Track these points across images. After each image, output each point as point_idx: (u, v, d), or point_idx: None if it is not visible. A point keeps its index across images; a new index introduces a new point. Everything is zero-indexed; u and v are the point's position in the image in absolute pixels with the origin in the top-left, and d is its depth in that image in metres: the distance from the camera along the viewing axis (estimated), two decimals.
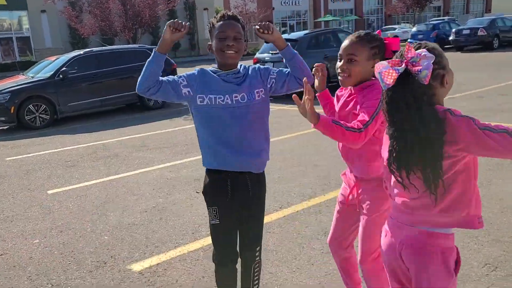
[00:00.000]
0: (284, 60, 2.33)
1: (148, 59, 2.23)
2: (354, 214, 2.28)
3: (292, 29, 42.67)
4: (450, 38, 22.93)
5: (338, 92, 2.31)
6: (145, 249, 3.74)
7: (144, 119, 10.31)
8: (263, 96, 2.32)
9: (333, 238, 2.42)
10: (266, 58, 12.12)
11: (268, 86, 2.33)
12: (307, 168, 5.62)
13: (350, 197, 2.27)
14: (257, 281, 2.54)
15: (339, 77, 2.11)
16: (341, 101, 2.22)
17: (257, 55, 12.75)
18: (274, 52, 12.03)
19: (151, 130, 8.96)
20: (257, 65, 2.41)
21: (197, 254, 3.55)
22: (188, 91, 2.27)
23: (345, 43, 2.10)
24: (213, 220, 2.36)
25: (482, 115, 7.81)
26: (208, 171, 2.37)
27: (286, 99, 11.20)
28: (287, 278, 3.10)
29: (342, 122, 1.94)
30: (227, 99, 2.23)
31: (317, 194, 4.69)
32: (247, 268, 2.51)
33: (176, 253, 3.61)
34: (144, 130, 9.07)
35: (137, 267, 3.44)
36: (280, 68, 2.39)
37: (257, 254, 2.48)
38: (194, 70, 2.36)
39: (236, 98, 2.24)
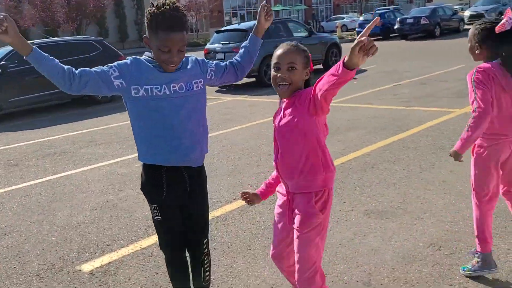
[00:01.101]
0: (248, 45, 2.47)
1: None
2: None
3: (242, 19, 42.48)
4: (395, 27, 23.71)
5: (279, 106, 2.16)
6: (95, 248, 3.63)
7: (92, 113, 9.96)
8: (202, 87, 2.29)
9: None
10: (217, 49, 12.02)
11: (208, 77, 2.34)
12: (261, 158, 5.65)
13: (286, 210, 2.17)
14: (208, 274, 2.52)
15: (278, 88, 2.02)
16: (280, 114, 2.08)
17: (208, 45, 12.62)
18: (225, 42, 11.96)
19: (100, 125, 8.67)
20: (194, 56, 2.36)
21: (150, 251, 3.49)
22: (121, 83, 2.15)
23: (282, 52, 2.00)
24: (155, 216, 2.33)
25: (424, 101, 8.16)
26: (144, 166, 2.29)
27: (239, 89, 11.26)
28: (242, 269, 3.11)
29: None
30: (164, 89, 2.14)
31: None
32: (196, 261, 2.49)
33: (128, 251, 3.52)
34: (93, 124, 8.77)
35: (87, 267, 3.33)
36: (216, 62, 2.43)
37: (204, 247, 2.46)
38: (126, 59, 2.25)
39: (175, 88, 2.17)
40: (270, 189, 2.31)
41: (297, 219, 2.05)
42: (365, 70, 13.00)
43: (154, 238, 3.67)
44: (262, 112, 8.65)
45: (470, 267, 2.77)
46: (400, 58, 15.55)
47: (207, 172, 2.48)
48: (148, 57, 2.24)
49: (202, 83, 2.29)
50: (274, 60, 2.02)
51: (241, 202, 4.27)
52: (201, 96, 2.29)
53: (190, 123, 2.21)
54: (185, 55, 2.23)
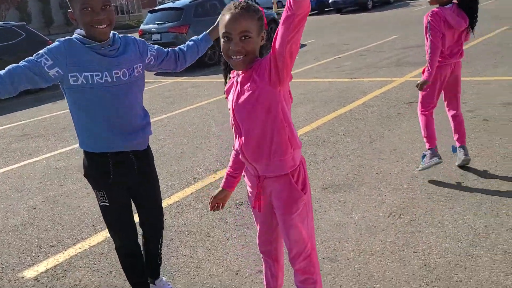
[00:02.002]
0: (199, 42, 2.41)
1: None
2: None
3: None
4: (330, 1, 23.98)
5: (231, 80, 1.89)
6: (38, 251, 3.30)
7: (22, 105, 9.20)
8: (141, 72, 2.20)
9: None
10: (153, 29, 11.48)
11: (146, 61, 2.22)
12: (210, 140, 5.44)
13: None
14: (161, 256, 2.55)
15: (231, 61, 1.73)
16: (237, 91, 1.80)
17: (142, 26, 12.02)
18: (160, 22, 11.45)
19: (32, 116, 8.02)
20: (133, 36, 2.24)
21: (100, 248, 3.22)
22: (57, 72, 1.95)
23: (230, 18, 1.67)
24: (101, 202, 2.22)
25: (366, 72, 8.27)
26: (87, 153, 2.17)
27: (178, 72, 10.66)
28: (203, 258, 2.94)
29: None
30: (106, 76, 2.02)
31: (223, 165, 4.55)
32: (151, 245, 2.46)
33: (76, 251, 3.23)
34: (24, 117, 8.09)
35: (30, 273, 3.02)
36: (158, 47, 2.30)
37: (161, 226, 2.47)
38: (56, 41, 2.02)
39: (117, 75, 2.05)
40: (234, 178, 2.08)
41: (279, 205, 1.87)
42: (305, 45, 13.00)
43: (103, 235, 3.40)
44: (206, 92, 8.39)
45: (422, 163, 3.65)
46: (337, 31, 15.72)
47: (156, 158, 2.46)
48: (80, 35, 2.04)
49: (141, 67, 2.19)
50: (222, 29, 1.70)
51: (195, 188, 4.07)
52: (141, 80, 2.22)
53: (133, 109, 2.15)
54: (123, 36, 2.15)
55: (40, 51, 1.96)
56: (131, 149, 2.18)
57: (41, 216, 3.89)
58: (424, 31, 3.50)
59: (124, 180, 2.21)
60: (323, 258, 2.75)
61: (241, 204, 3.61)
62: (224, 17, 1.69)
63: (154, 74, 11.43)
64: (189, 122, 6.47)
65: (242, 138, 1.80)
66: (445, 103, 3.85)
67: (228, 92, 1.89)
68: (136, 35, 12.06)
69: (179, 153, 5.13)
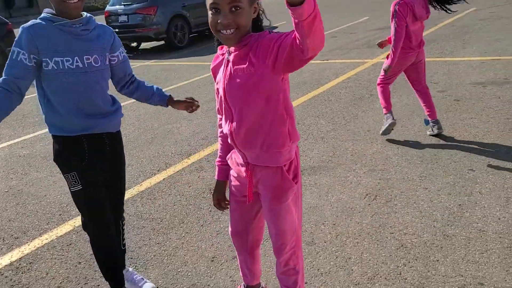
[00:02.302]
0: (153, 95, 2.32)
1: None
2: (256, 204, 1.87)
3: None
4: None
5: (219, 55, 1.71)
6: (1, 243, 3.13)
7: None
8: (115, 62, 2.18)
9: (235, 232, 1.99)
10: (119, 11, 11.09)
11: (111, 58, 2.14)
12: (182, 124, 5.30)
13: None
14: (124, 238, 2.47)
15: (221, 35, 1.54)
16: (228, 70, 1.61)
17: (108, 7, 11.59)
18: (127, 3, 11.06)
19: None
20: (112, 29, 2.19)
21: (68, 239, 3.08)
22: (35, 58, 1.92)
23: None
24: (73, 187, 2.12)
25: (338, 53, 8.24)
26: (58, 137, 2.09)
27: (147, 54, 10.49)
28: (177, 246, 2.85)
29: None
30: (77, 62, 1.96)
31: (196, 150, 4.44)
32: (117, 225, 2.38)
33: (42, 242, 3.08)
34: None
35: None
36: (126, 57, 2.24)
37: (123, 209, 2.43)
38: (20, 29, 1.93)
39: (89, 61, 2.00)
40: (227, 166, 1.89)
41: (267, 194, 1.74)
42: (276, 27, 12.86)
43: (71, 224, 3.26)
44: (176, 76, 8.19)
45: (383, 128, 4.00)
46: None
47: (125, 144, 2.38)
48: (49, 14, 1.96)
49: (108, 59, 2.13)
50: (209, 1, 1.51)
51: (167, 174, 3.96)
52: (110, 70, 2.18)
53: (105, 95, 2.12)
54: (101, 24, 2.12)
55: (12, 49, 1.92)
56: (104, 130, 2.15)
57: (4, 206, 3.69)
58: (390, 17, 3.72)
59: (98, 162, 2.15)
60: None
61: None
62: None
63: None
64: (160, 106, 6.28)
65: (234, 124, 1.63)
66: (410, 83, 4.12)
67: (215, 71, 1.72)
68: (102, 18, 11.51)
69: (150, 138, 4.98)
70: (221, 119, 1.79)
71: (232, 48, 1.58)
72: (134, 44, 12.15)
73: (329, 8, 16.48)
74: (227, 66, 1.62)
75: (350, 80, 6.34)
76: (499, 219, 2.68)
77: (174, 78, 7.98)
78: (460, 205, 2.88)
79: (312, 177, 3.54)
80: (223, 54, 1.67)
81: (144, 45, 12.58)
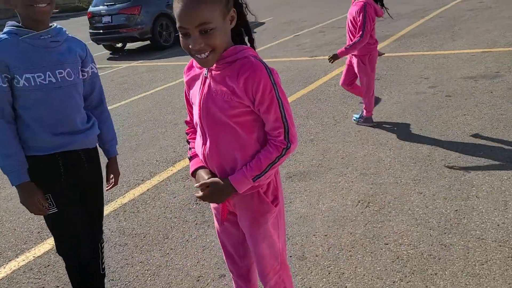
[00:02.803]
0: (113, 145, 2.20)
1: None
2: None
3: None
4: None
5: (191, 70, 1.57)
6: None
7: None
8: (84, 76, 2.01)
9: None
10: (102, 11, 10.83)
11: (82, 73, 1.98)
12: (167, 130, 5.13)
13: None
14: (104, 266, 2.29)
15: (196, 59, 1.39)
16: (206, 89, 1.46)
17: (91, 8, 11.32)
18: (110, 3, 10.81)
19: None
20: (83, 42, 2.03)
21: (46, 259, 2.91)
22: (6, 77, 1.77)
23: (181, 7, 1.29)
24: (49, 210, 1.95)
25: (326, 49, 8.09)
26: (31, 157, 1.91)
27: (133, 54, 10.19)
28: (161, 264, 2.69)
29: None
30: (49, 77, 1.83)
31: (181, 156, 4.27)
32: (95, 247, 2.20)
33: (19, 264, 2.91)
34: None
35: None
36: (96, 75, 2.08)
37: (102, 230, 2.25)
38: None
39: (62, 75, 1.87)
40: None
41: (245, 217, 1.61)
42: (263, 23, 12.68)
43: (50, 242, 3.08)
44: (162, 77, 7.99)
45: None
46: (294, 7, 15.42)
47: None
48: (13, 26, 1.82)
49: (81, 74, 1.98)
50: (176, 21, 1.32)
51: (151, 184, 3.79)
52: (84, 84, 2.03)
53: (80, 110, 1.97)
54: (72, 36, 1.99)
55: None
56: (80, 147, 1.99)
57: None
58: (355, 17, 3.93)
59: (75, 182, 2.00)
60: (290, 256, 2.56)
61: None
62: (176, 5, 1.31)
63: (107, 59, 10.87)
64: (145, 110, 6.11)
65: (207, 146, 1.51)
66: (345, 81, 4.37)
67: (190, 84, 1.56)
68: (83, 18, 11.16)
69: (134, 145, 4.81)
70: (189, 117, 1.68)
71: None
72: (119, 45, 11.89)
73: (316, 1, 16.31)
74: (204, 83, 1.47)
75: (339, 77, 6.15)
76: (498, 225, 2.56)
77: (160, 80, 7.79)
78: (456, 210, 2.76)
79: (302, 183, 3.39)
80: (200, 68, 1.51)
81: (130, 45, 12.33)
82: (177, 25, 1.33)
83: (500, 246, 2.38)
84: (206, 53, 1.34)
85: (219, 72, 1.43)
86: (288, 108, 1.45)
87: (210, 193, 1.51)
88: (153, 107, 6.16)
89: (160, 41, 10.96)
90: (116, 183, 2.21)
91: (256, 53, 1.47)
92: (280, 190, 1.63)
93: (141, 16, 10.57)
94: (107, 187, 2.21)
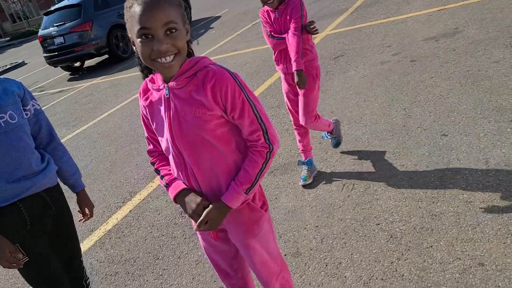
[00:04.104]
0: (77, 179, 2.09)
1: None
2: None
3: None
4: None
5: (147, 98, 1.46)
6: None
7: None
8: (31, 114, 1.92)
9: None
10: (53, 33, 10.50)
11: (25, 113, 1.87)
12: (140, 145, 5.00)
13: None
14: None
15: (158, 65, 1.28)
16: (172, 111, 1.38)
17: (41, 32, 10.96)
18: (59, 23, 10.48)
19: None
20: (19, 82, 1.91)
21: None
22: None
23: (144, 8, 1.22)
24: (20, 260, 1.84)
25: None
26: None
27: (93, 71, 9.89)
28: (156, 287, 2.61)
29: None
30: None
31: None
32: (80, 287, 2.11)
33: None
34: None
35: None
36: (48, 123, 1.99)
37: (83, 266, 2.13)
38: None
39: (4, 119, 1.75)
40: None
41: (238, 230, 1.55)
42: (219, 17, 12.52)
43: None
44: (127, 90, 7.81)
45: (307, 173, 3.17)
46: None
47: (84, 179, 2.20)
48: None
49: (24, 113, 1.87)
50: (136, 25, 1.23)
51: (133, 205, 3.68)
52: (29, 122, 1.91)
53: (31, 150, 1.85)
54: (4, 77, 1.87)
55: None
56: (41, 188, 1.88)
57: None
58: (291, 13, 2.74)
59: (43, 225, 1.90)
60: (285, 255, 2.52)
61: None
62: (134, 9, 1.23)
63: (68, 81, 10.57)
64: (115, 127, 5.95)
65: (188, 170, 1.44)
66: (291, 97, 3.15)
67: (150, 109, 1.44)
68: (34, 43, 10.82)
69: (109, 166, 4.67)
70: (151, 145, 1.59)
71: (172, 83, 1.35)
72: (78, 64, 11.59)
73: None
74: (168, 105, 1.38)
75: None
76: (483, 185, 2.55)
77: (124, 93, 7.60)
78: (441, 177, 2.74)
79: (284, 177, 3.34)
80: (158, 90, 1.40)
81: (88, 62, 12.03)
82: (137, 28, 1.24)
83: (489, 206, 2.38)
84: (172, 56, 1.27)
85: (181, 88, 1.35)
86: (261, 108, 1.40)
87: (209, 225, 1.45)
88: (123, 123, 6.01)
89: (118, 53, 10.71)
90: (91, 215, 2.12)
91: (212, 61, 1.39)
92: (264, 194, 1.59)
93: (94, 31, 10.29)
94: (81, 220, 2.12)
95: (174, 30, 1.25)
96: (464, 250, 2.16)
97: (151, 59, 1.28)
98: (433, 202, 2.55)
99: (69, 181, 2.05)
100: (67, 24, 10.39)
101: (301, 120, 2.98)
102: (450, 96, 3.70)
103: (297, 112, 3.06)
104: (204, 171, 1.42)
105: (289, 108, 3.16)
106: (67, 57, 10.46)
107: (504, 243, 2.11)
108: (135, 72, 9.04)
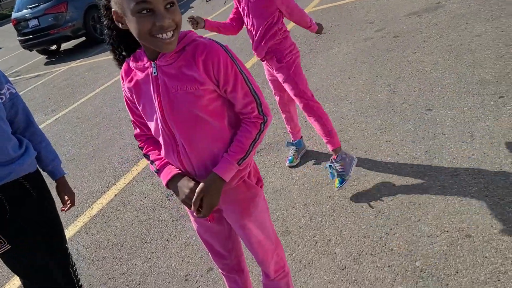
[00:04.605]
0: (56, 166, 2.02)
1: None
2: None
3: None
4: None
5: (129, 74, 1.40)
6: None
7: None
8: (7, 98, 1.83)
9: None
10: (27, 15, 10.15)
11: (1, 98, 1.79)
12: (122, 128, 4.91)
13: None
14: (81, 284, 2.13)
15: (158, 41, 1.21)
16: (162, 89, 1.32)
17: (14, 15, 10.59)
18: (33, 5, 10.12)
19: None
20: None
21: None
22: None
23: None
24: (1, 247, 1.80)
25: None
26: None
27: (70, 54, 9.60)
28: (145, 271, 2.58)
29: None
30: None
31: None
32: (66, 274, 2.04)
33: None
34: None
35: None
36: (24, 106, 1.90)
37: (68, 253, 2.06)
38: None
39: None
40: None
41: (234, 209, 1.51)
42: (191, 7, 12.27)
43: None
44: (106, 73, 7.64)
45: (340, 180, 2.64)
46: None
47: (64, 166, 2.04)
48: None
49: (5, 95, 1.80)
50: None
51: (117, 189, 3.63)
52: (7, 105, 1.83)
53: (10, 135, 1.78)
54: None
55: None
56: (20, 174, 1.81)
57: None
58: None
59: (24, 212, 1.83)
60: None
61: (172, 195, 3.25)
62: None
63: (45, 65, 10.29)
64: (95, 111, 5.83)
65: (181, 150, 1.38)
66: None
67: (137, 89, 1.37)
68: (7, 27, 10.40)
69: (91, 151, 4.58)
70: (137, 129, 1.53)
71: (160, 60, 1.29)
72: (54, 47, 11.27)
73: None
74: (157, 83, 1.31)
75: None
76: (468, 158, 2.57)
77: (104, 77, 7.44)
78: (426, 151, 2.76)
79: (271, 156, 3.32)
80: (143, 69, 1.33)
81: (65, 45, 11.70)
82: (135, 1, 1.16)
83: (474, 178, 2.40)
84: (171, 31, 1.21)
85: (170, 64, 1.29)
86: (253, 80, 1.36)
87: (206, 204, 1.38)
88: (103, 107, 5.89)
89: (96, 35, 10.44)
90: (72, 203, 2.06)
91: (198, 35, 1.34)
92: (258, 169, 1.57)
93: (70, 13, 9.99)
94: (62, 208, 2.06)
95: (173, 4, 1.20)
96: (451, 222, 2.18)
97: (151, 35, 1.20)
98: (420, 177, 2.56)
99: (47, 167, 1.98)
100: (41, 6, 10.06)
101: (297, 101, 2.69)
102: (434, 71, 3.70)
103: (283, 94, 2.96)
104: (198, 150, 1.38)
105: (274, 94, 3.04)
106: (43, 40, 10.15)
107: (490, 214, 2.14)
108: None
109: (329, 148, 2.69)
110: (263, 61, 2.78)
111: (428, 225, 2.21)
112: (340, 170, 2.62)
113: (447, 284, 1.88)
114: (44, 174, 1.96)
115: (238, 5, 2.69)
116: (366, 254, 2.17)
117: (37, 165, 1.95)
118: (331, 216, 2.51)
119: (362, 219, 2.41)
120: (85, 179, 4.00)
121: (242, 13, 2.68)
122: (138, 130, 1.53)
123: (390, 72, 3.95)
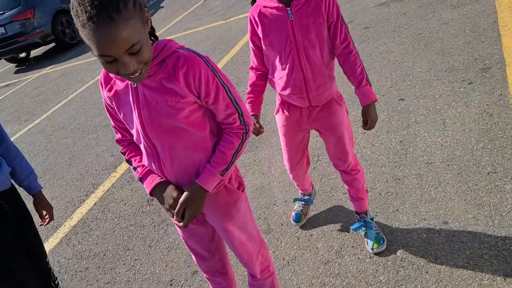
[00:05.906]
0: (32, 180, 1.97)
1: None
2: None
3: None
4: None
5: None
6: None
7: None
8: None
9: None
10: None
11: None
12: (99, 134, 4.84)
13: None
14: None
15: (130, 80, 1.21)
16: (142, 100, 1.31)
17: None
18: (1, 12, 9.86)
19: None
20: None
21: None
22: None
23: (100, 35, 1.07)
24: None
25: (238, 8, 7.89)
26: None
27: (40, 61, 9.37)
28: (129, 279, 2.57)
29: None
30: None
31: (121, 159, 4.06)
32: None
33: None
34: None
35: None
36: None
37: (50, 267, 2.02)
38: None
39: None
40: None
41: (217, 213, 1.52)
42: (162, 7, 12.14)
43: None
44: (79, 78, 7.50)
45: (381, 240, 2.12)
46: None
47: (41, 176, 2.02)
48: None
49: None
50: (94, 49, 1.11)
51: (97, 197, 3.58)
52: None
53: None
54: None
55: None
56: None
57: None
58: (335, 27, 1.86)
59: (1, 229, 1.80)
60: None
61: (152, 199, 3.22)
62: (88, 33, 1.07)
63: (15, 73, 10.05)
64: (70, 118, 5.73)
65: (162, 160, 1.39)
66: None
67: (114, 100, 1.35)
68: None
69: (68, 159, 4.51)
70: (119, 134, 1.52)
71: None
72: (23, 55, 11.02)
73: None
74: (137, 95, 1.30)
75: None
76: (442, 145, 2.63)
77: (76, 82, 7.31)
78: (401, 141, 2.81)
79: (249, 154, 3.33)
80: (122, 79, 1.31)
81: (34, 52, 11.46)
82: (96, 54, 1.12)
83: (448, 165, 2.46)
84: (140, 70, 1.18)
85: (150, 77, 1.27)
86: (235, 91, 1.36)
87: (188, 214, 1.39)
88: (78, 113, 5.79)
89: (66, 40, 10.24)
90: (51, 217, 2.03)
91: (178, 44, 1.32)
92: (240, 174, 1.58)
93: (37, 19, 9.76)
94: (41, 223, 2.03)
95: (138, 52, 1.13)
96: (428, 210, 2.23)
97: (118, 74, 1.19)
98: (396, 167, 2.61)
99: (23, 183, 1.95)
100: (7, 13, 9.79)
101: (338, 165, 2.11)
102: (405, 61, 3.76)
103: (295, 156, 2.16)
104: (180, 160, 1.37)
105: (285, 149, 2.15)
106: (11, 48, 9.89)
107: (464, 200, 2.20)
108: (86, 59, 8.69)
109: (361, 208, 2.19)
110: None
111: (406, 214, 2.25)
112: (376, 230, 2.16)
113: (427, 272, 1.93)
114: (20, 189, 1.93)
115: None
116: (347, 247, 2.21)
117: (12, 181, 1.91)
118: (312, 211, 2.53)
119: (342, 212, 2.44)
120: (63, 188, 3.93)
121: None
122: (119, 135, 1.52)
123: (362, 63, 3.99)
